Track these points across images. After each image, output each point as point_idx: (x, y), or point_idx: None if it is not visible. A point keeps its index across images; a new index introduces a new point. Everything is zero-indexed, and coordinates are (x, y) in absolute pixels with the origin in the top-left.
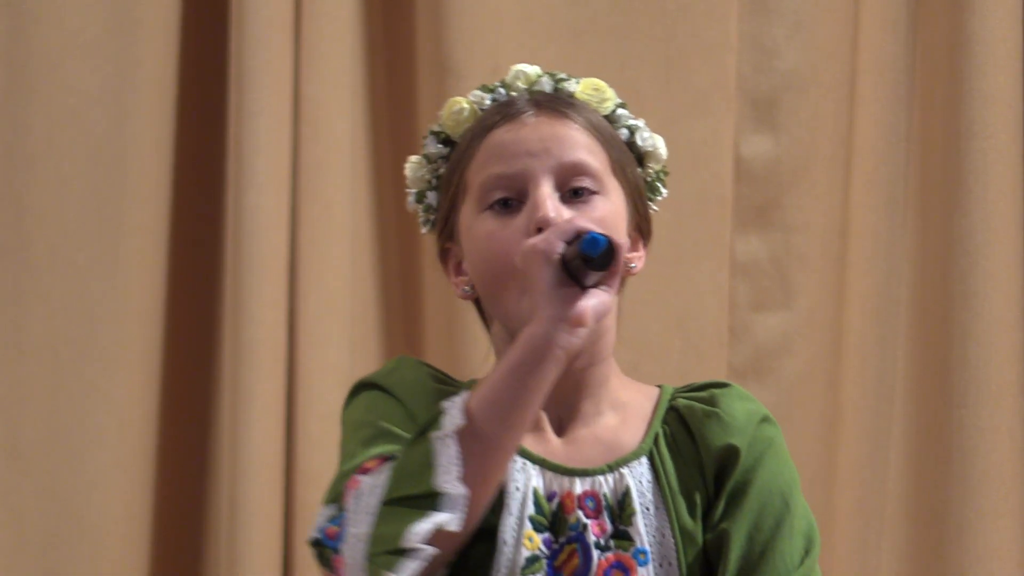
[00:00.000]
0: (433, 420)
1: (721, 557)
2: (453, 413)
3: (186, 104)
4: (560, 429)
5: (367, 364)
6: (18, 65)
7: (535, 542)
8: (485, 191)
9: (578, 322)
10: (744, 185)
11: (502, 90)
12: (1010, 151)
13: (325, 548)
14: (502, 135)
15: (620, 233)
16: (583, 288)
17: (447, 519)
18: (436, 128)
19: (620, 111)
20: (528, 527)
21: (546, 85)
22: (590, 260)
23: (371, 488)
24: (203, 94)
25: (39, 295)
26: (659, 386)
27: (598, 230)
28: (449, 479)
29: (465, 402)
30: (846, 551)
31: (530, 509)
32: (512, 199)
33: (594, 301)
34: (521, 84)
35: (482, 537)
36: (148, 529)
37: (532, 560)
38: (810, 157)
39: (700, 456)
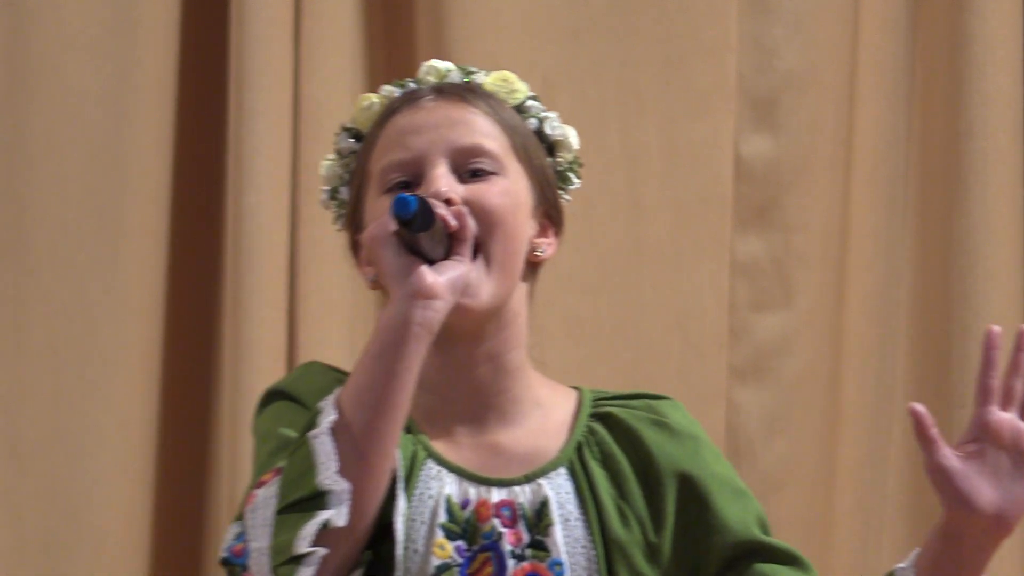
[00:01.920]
0: (311, 421)
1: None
2: (326, 410)
3: (186, 104)
4: (479, 430)
5: None
6: (18, 65)
7: (447, 550)
8: (384, 176)
9: (429, 293)
10: (744, 185)
11: (413, 84)
12: (1010, 151)
13: (234, 566)
14: (400, 120)
15: (519, 213)
16: (430, 262)
17: (332, 515)
18: (348, 124)
19: (530, 103)
20: (439, 535)
21: (455, 78)
22: (408, 223)
23: (265, 500)
24: (203, 94)
25: (39, 295)
26: (576, 388)
27: (413, 195)
28: (329, 475)
29: (337, 396)
30: (846, 551)
31: (442, 517)
32: (411, 182)
33: (449, 272)
34: (432, 79)
35: (386, 534)
36: (148, 529)
37: (443, 568)
38: (810, 157)
39: (646, 467)
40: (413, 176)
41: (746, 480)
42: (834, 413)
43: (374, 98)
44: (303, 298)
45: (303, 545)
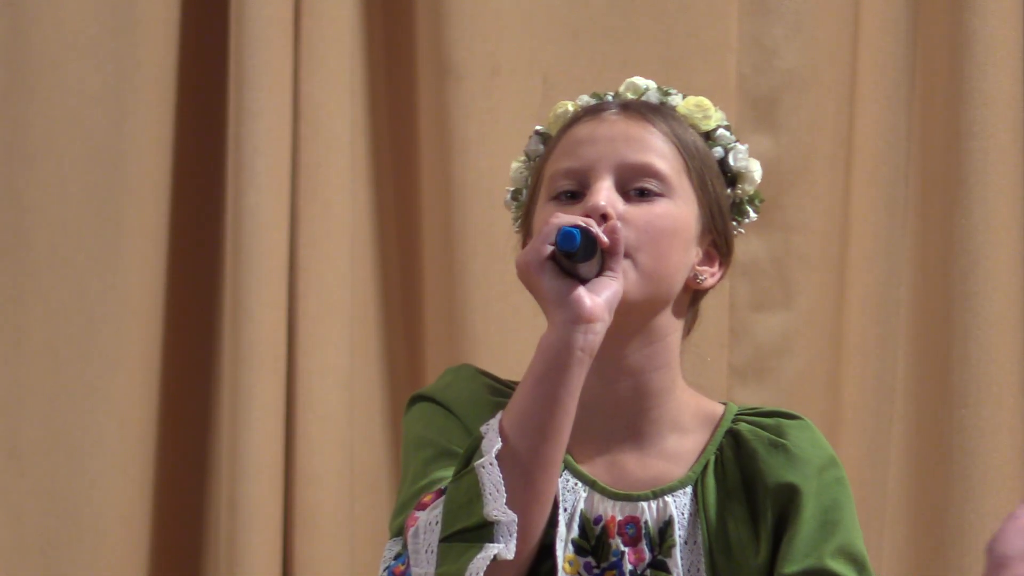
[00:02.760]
0: (474, 446)
1: None
2: (490, 436)
3: (186, 104)
4: (614, 448)
5: (367, 364)
6: (18, 65)
7: (575, 566)
8: (552, 182)
9: (590, 317)
10: None
11: (610, 97)
12: (1010, 151)
13: None
14: (580, 130)
15: (677, 237)
16: (584, 282)
17: (501, 548)
18: (541, 128)
19: (721, 131)
20: (570, 550)
21: (653, 97)
22: (572, 255)
23: (427, 525)
24: (203, 94)
25: (39, 295)
26: (724, 403)
27: (573, 223)
28: (497, 506)
29: (500, 422)
30: None
31: (575, 532)
32: (578, 191)
33: (605, 292)
34: (630, 95)
35: (545, 555)
36: (148, 529)
37: None
38: (810, 157)
39: (754, 487)
40: (580, 185)
41: None
42: (834, 413)
43: (568, 105)
44: (303, 298)
45: None
